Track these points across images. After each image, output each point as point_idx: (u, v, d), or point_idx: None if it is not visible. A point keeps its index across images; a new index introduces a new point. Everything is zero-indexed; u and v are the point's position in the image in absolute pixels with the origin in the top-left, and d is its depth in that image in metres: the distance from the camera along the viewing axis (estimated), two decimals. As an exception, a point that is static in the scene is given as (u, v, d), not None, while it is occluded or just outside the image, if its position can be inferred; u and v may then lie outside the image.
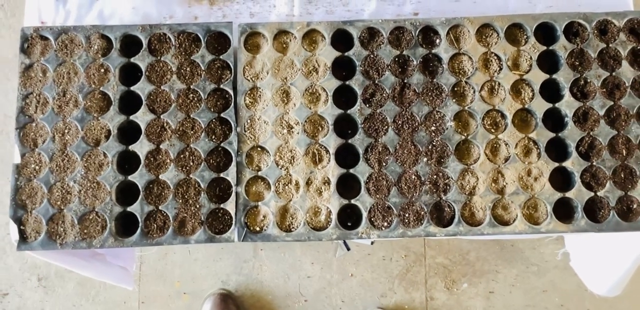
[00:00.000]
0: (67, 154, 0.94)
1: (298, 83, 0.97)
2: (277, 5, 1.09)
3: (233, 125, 0.95)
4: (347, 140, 0.95)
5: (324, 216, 0.93)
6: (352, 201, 0.92)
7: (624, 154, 0.94)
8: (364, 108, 0.96)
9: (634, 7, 1.07)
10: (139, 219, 0.91)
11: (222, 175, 0.93)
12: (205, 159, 0.94)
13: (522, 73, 0.97)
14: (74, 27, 1.00)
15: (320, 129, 0.96)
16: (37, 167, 0.94)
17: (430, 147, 0.94)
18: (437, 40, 0.99)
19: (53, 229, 0.92)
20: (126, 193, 0.94)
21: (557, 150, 0.96)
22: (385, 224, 0.92)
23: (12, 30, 1.92)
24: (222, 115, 0.96)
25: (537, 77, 0.97)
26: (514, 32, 1.00)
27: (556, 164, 0.94)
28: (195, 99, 0.97)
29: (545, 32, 1.00)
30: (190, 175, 0.93)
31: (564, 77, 0.97)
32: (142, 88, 0.97)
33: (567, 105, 0.96)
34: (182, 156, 0.94)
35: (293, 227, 0.93)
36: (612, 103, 0.96)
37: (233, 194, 0.93)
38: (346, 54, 0.98)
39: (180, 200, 0.92)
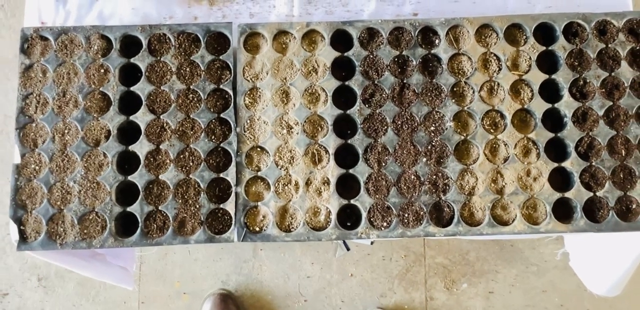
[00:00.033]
0: (67, 154, 0.94)
1: (297, 83, 0.97)
2: (276, 6, 1.09)
3: (233, 126, 0.96)
4: (346, 141, 0.95)
5: (324, 216, 0.93)
6: (352, 201, 0.93)
7: (623, 154, 0.94)
8: (363, 108, 0.96)
9: (633, 7, 1.07)
10: (139, 219, 0.91)
11: (221, 175, 0.94)
12: (205, 159, 0.94)
13: (521, 73, 0.97)
14: (74, 27, 1.00)
15: (319, 129, 0.96)
16: (37, 167, 0.94)
17: (429, 147, 0.94)
18: (437, 41, 0.99)
19: (53, 229, 0.92)
20: (126, 193, 0.94)
21: (556, 150, 0.96)
22: (385, 224, 0.92)
23: (12, 31, 1.92)
24: (221, 115, 0.96)
25: (537, 77, 0.97)
26: (513, 33, 1.00)
27: (555, 164, 0.94)
28: (195, 99, 0.97)
29: (544, 33, 1.01)
30: (190, 176, 0.94)
31: (563, 77, 0.97)
32: (141, 88, 0.97)
33: (567, 105, 0.96)
34: (181, 156, 0.94)
35: (292, 227, 0.93)
36: (611, 103, 0.96)
37: (233, 194, 0.93)
38: (345, 54, 0.98)
39: (180, 201, 0.92)
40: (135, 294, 1.74)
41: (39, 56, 0.99)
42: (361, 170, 0.94)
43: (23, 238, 0.92)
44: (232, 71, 0.98)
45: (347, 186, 0.95)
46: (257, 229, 0.93)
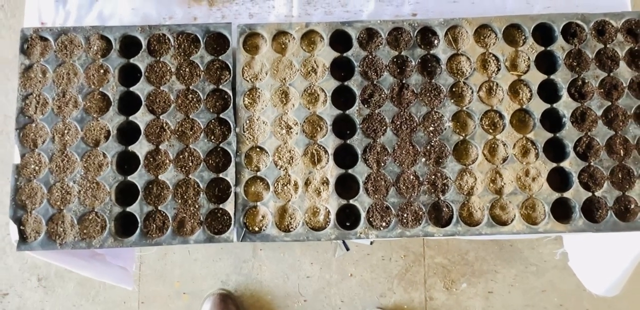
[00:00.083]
0: (67, 154, 0.95)
1: (297, 84, 0.97)
2: (276, 6, 1.10)
3: (232, 126, 0.96)
4: (345, 141, 0.95)
5: (323, 216, 0.93)
6: (351, 201, 0.93)
7: (622, 154, 0.95)
8: (362, 108, 0.96)
9: (632, 7, 1.07)
10: (139, 219, 0.92)
11: (221, 175, 0.94)
12: (205, 160, 0.94)
13: (520, 73, 0.97)
14: (74, 27, 1.00)
15: (319, 129, 0.96)
16: (36, 168, 0.94)
17: (428, 147, 0.95)
18: (436, 41, 0.99)
19: (53, 229, 0.92)
20: (125, 193, 0.94)
21: (555, 150, 0.97)
22: (384, 224, 0.92)
23: (12, 31, 1.92)
24: (221, 115, 0.96)
25: (535, 77, 0.97)
26: (512, 33, 1.01)
27: (554, 164, 0.94)
28: (195, 99, 0.97)
29: (543, 33, 1.01)
30: (190, 176, 0.94)
31: (562, 77, 0.97)
32: (141, 89, 0.97)
33: (565, 105, 0.96)
34: (181, 156, 0.95)
35: (292, 227, 0.93)
36: (609, 103, 0.96)
37: (232, 194, 0.93)
38: (345, 54, 0.98)
39: (180, 201, 0.93)
40: (135, 294, 1.74)
41: (39, 56, 0.99)
42: (360, 171, 0.94)
43: (23, 238, 0.92)
44: (232, 71, 0.98)
45: (346, 186, 0.95)
46: (257, 229, 0.93)
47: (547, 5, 1.08)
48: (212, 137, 0.96)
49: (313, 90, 0.97)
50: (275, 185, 0.94)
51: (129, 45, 1.00)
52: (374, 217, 0.93)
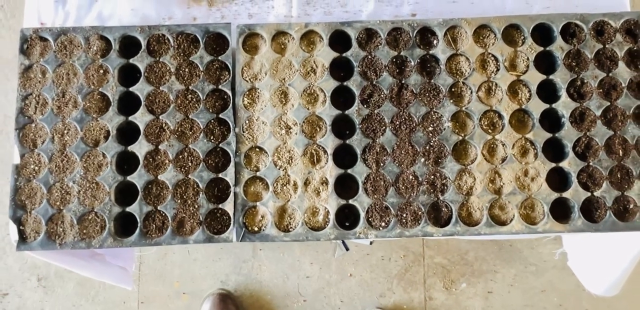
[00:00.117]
0: (67, 154, 0.95)
1: (296, 84, 0.97)
2: (275, 7, 1.10)
3: (231, 126, 0.96)
4: (345, 141, 0.95)
5: (322, 216, 0.93)
6: (350, 201, 0.93)
7: (621, 155, 0.95)
8: (361, 109, 0.96)
9: (631, 8, 1.07)
10: (138, 219, 0.92)
11: (220, 175, 0.94)
12: (204, 160, 0.94)
13: (519, 74, 0.97)
14: (73, 28, 1.00)
15: (318, 129, 0.96)
16: (36, 168, 0.95)
17: (427, 147, 0.95)
18: (435, 41, 1.00)
19: (52, 229, 0.92)
20: (125, 193, 0.94)
21: (553, 150, 0.97)
22: (383, 224, 0.92)
23: (12, 31, 1.92)
24: (220, 116, 0.96)
25: (534, 77, 0.97)
26: (511, 33, 1.01)
27: (553, 164, 0.94)
28: (194, 99, 0.97)
29: (542, 33, 1.01)
30: (189, 176, 0.94)
31: (561, 77, 0.97)
32: (141, 89, 0.97)
33: (564, 105, 0.96)
34: (180, 157, 0.95)
35: (291, 227, 0.93)
36: (608, 104, 0.96)
37: (231, 194, 0.93)
38: (344, 54, 0.98)
39: (179, 201, 0.93)
40: (135, 294, 1.74)
41: (39, 57, 0.99)
42: (359, 171, 0.94)
43: (22, 238, 0.92)
44: (231, 72, 0.98)
45: (345, 186, 0.96)
46: (256, 228, 0.93)
47: (547, 6, 1.08)
48: (212, 137, 0.96)
49: (312, 91, 0.98)
50: (275, 185, 0.94)
51: (129, 45, 1.00)
52: (373, 217, 0.93)
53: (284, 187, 0.94)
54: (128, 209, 0.92)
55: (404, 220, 0.92)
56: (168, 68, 0.98)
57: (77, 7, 1.09)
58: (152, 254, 1.76)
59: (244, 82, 0.98)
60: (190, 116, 0.96)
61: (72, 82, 0.98)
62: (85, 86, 0.97)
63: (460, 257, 1.76)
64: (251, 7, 1.10)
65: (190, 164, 0.95)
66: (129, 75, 0.99)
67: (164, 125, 0.96)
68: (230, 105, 0.97)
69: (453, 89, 0.97)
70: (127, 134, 0.97)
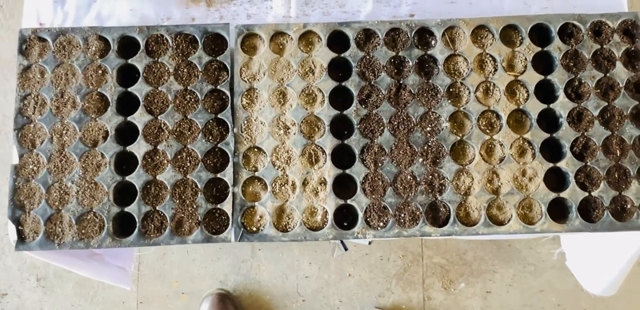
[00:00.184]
0: (65, 154, 0.95)
1: (294, 84, 0.97)
2: (274, 7, 1.10)
3: (230, 126, 0.96)
4: (343, 141, 0.95)
5: (320, 216, 0.93)
6: (348, 201, 0.93)
7: (618, 155, 0.95)
8: (359, 109, 0.96)
9: (628, 8, 1.08)
10: (137, 219, 0.92)
11: (219, 175, 0.94)
12: (202, 160, 0.95)
13: (517, 74, 0.98)
14: (72, 28, 1.00)
15: (316, 129, 0.97)
16: (35, 168, 0.95)
17: (425, 147, 0.95)
18: (433, 42, 1.00)
19: (51, 229, 0.92)
20: (124, 193, 0.95)
21: (551, 150, 0.97)
22: (381, 224, 0.92)
23: (10, 32, 1.92)
24: (219, 116, 0.96)
25: (532, 78, 0.97)
26: (509, 34, 1.01)
27: (551, 165, 0.94)
28: (193, 100, 0.97)
29: (540, 34, 1.01)
30: (188, 176, 0.94)
31: (559, 78, 0.97)
32: (139, 89, 0.97)
33: (562, 106, 0.97)
34: (179, 157, 0.95)
35: (289, 227, 0.93)
36: (606, 104, 0.96)
37: (230, 195, 0.93)
38: (342, 55, 0.99)
39: (178, 201, 0.93)
40: (134, 294, 1.74)
41: (37, 57, 0.99)
42: (358, 171, 0.94)
43: (21, 238, 0.92)
44: (230, 72, 0.99)
45: (343, 186, 0.96)
46: (254, 229, 0.93)
47: (544, 6, 1.09)
48: (210, 138, 0.96)
49: (311, 91, 0.98)
50: (273, 185, 0.94)
51: (127, 45, 1.00)
52: (371, 217, 0.93)
53: (283, 187, 0.94)
54: (127, 209, 0.93)
55: (402, 220, 0.92)
56: (167, 68, 0.98)
57: (76, 7, 1.09)
58: (151, 254, 1.76)
59: (242, 82, 0.98)
60: (188, 116, 0.96)
61: (70, 82, 0.98)
62: (83, 86, 0.97)
63: (459, 257, 1.76)
64: (250, 8, 1.10)
65: (188, 164, 0.95)
66: (127, 75, 1.00)
67: (162, 125, 0.96)
68: (229, 105, 0.97)
69: (451, 89, 0.98)
70: (126, 134, 0.97)
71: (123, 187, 0.94)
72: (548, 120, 0.98)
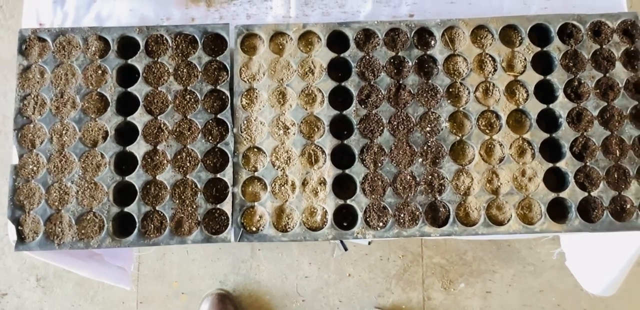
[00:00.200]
0: (65, 154, 0.95)
1: (294, 84, 0.97)
2: (273, 7, 1.10)
3: (229, 126, 0.96)
4: (342, 141, 0.95)
5: (320, 216, 0.93)
6: (348, 201, 0.93)
7: (618, 155, 0.95)
8: (359, 109, 0.96)
9: (628, 8, 1.08)
10: (136, 220, 0.92)
11: (218, 175, 0.94)
12: (202, 160, 0.95)
13: (516, 74, 0.98)
14: (72, 28, 1.00)
15: (316, 129, 0.97)
16: (34, 168, 0.95)
17: (425, 147, 0.95)
18: (432, 42, 1.00)
19: (51, 230, 0.92)
20: (123, 194, 0.95)
21: (551, 150, 0.97)
22: (381, 224, 0.93)
23: (10, 32, 1.93)
24: (218, 116, 0.96)
25: (532, 78, 0.97)
26: (508, 34, 1.01)
27: (550, 165, 0.94)
28: (192, 100, 0.97)
29: (539, 34, 1.01)
30: (187, 176, 0.94)
31: (558, 78, 0.97)
32: (139, 89, 0.97)
33: (561, 106, 0.97)
34: (179, 157, 0.95)
35: (289, 228, 0.93)
36: (605, 104, 0.96)
37: (229, 195, 0.94)
38: (342, 55, 0.99)
39: (177, 201, 0.93)
40: (134, 294, 1.74)
41: (37, 57, 0.99)
42: (357, 171, 0.94)
43: (21, 238, 0.92)
44: (229, 72, 0.99)
45: (343, 186, 0.96)
46: (254, 229, 0.93)
47: (544, 6, 1.09)
48: (210, 138, 0.96)
49: (310, 91, 0.98)
50: (273, 185, 0.94)
51: (127, 46, 1.01)
52: (371, 217, 0.93)
53: (282, 188, 0.94)
54: (126, 209, 0.93)
55: (402, 221, 0.92)
56: (166, 68, 0.98)
57: (76, 7, 1.09)
58: (151, 254, 1.76)
59: (242, 82, 0.98)
60: (188, 116, 0.96)
61: (70, 82, 0.98)
62: (83, 86, 0.97)
63: (459, 257, 1.76)
64: (249, 8, 1.10)
65: (188, 164, 0.95)
66: (127, 75, 1.00)
67: (162, 125, 0.96)
68: (229, 105, 0.97)
69: (451, 90, 0.98)
70: (126, 134, 0.97)
71: (123, 187, 0.94)
72: (548, 121, 0.98)
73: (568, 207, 0.94)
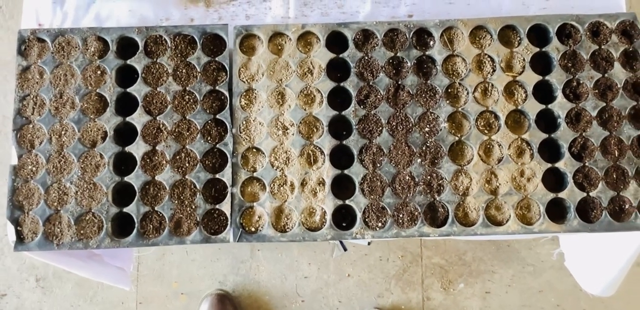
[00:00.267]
0: (64, 155, 0.95)
1: (293, 85, 0.98)
2: (272, 8, 1.10)
3: (228, 127, 0.96)
4: (341, 141, 0.95)
5: (319, 217, 0.93)
6: (347, 202, 0.93)
7: (616, 155, 0.95)
8: (358, 109, 0.97)
9: (627, 9, 1.08)
10: (135, 220, 0.92)
11: (217, 176, 0.94)
12: (201, 160, 0.95)
13: (515, 74, 0.98)
14: (71, 29, 1.00)
15: (315, 130, 0.97)
16: (34, 169, 0.95)
17: (424, 148, 0.95)
18: (431, 42, 1.00)
19: (50, 230, 0.92)
20: (122, 194, 0.95)
21: (549, 151, 0.97)
22: (380, 224, 0.93)
23: (10, 32, 1.93)
24: (217, 116, 0.97)
25: (530, 78, 0.97)
26: (507, 34, 1.01)
27: (549, 165, 0.94)
28: (191, 100, 0.97)
29: (538, 34, 1.01)
30: (186, 176, 0.94)
31: (557, 78, 0.98)
32: (138, 90, 0.97)
33: (560, 106, 0.97)
34: (177, 157, 0.95)
35: (288, 228, 0.93)
36: (604, 104, 0.96)
37: (228, 195, 0.94)
38: (341, 55, 0.99)
39: (176, 201, 0.93)
40: (133, 295, 1.74)
41: (36, 58, 1.00)
42: (356, 171, 0.94)
43: (20, 239, 0.92)
44: (228, 72, 0.99)
45: (342, 187, 0.96)
46: (253, 229, 0.93)
47: (543, 7, 1.09)
48: (209, 138, 0.96)
49: (309, 91, 0.98)
50: (272, 185, 0.94)
51: (126, 46, 1.01)
52: (369, 217, 0.93)
53: (281, 188, 0.94)
54: (125, 210, 0.93)
55: (401, 221, 0.93)
56: (165, 69, 0.98)
57: (75, 8, 1.09)
58: (151, 255, 1.76)
59: (241, 83, 0.98)
60: (187, 117, 0.96)
61: (69, 83, 0.98)
62: (82, 87, 0.97)
63: (458, 257, 1.76)
64: (248, 8, 1.10)
65: (187, 164, 0.95)
66: (126, 76, 1.00)
67: (161, 126, 0.96)
68: (228, 106, 0.97)
69: (449, 90, 0.98)
70: (125, 134, 0.97)
71: (122, 188, 0.94)
72: (546, 121, 0.98)
73: (567, 208, 0.94)
